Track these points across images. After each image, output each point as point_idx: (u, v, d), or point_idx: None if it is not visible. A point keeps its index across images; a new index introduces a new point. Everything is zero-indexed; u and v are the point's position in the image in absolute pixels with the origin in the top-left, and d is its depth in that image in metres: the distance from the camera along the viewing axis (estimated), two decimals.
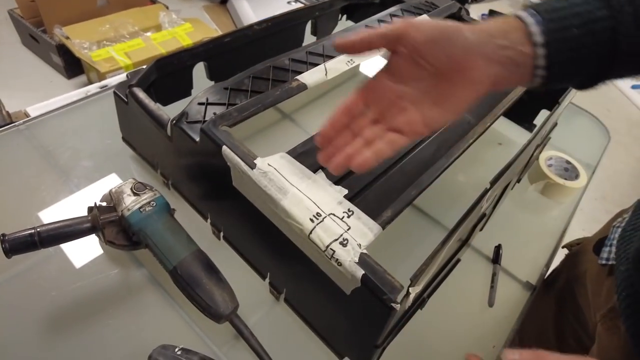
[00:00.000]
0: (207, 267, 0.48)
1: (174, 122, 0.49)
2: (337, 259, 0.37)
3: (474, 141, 0.52)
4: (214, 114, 0.48)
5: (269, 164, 0.42)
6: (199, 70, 0.65)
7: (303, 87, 0.52)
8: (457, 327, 0.55)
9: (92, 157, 0.66)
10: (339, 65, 0.57)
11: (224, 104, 0.49)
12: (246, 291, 0.52)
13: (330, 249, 0.38)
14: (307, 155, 0.45)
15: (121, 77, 1.45)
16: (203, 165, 0.50)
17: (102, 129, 0.69)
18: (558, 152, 0.78)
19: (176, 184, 0.60)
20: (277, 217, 0.42)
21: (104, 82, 1.18)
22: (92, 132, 0.69)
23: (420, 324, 0.51)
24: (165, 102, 0.65)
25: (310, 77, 0.54)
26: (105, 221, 0.49)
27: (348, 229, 0.39)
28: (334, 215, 0.40)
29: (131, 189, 0.51)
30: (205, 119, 0.48)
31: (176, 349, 0.41)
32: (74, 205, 0.59)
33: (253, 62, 0.73)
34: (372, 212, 0.41)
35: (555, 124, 0.73)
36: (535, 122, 0.82)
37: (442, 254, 0.39)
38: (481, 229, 0.63)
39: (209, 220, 0.57)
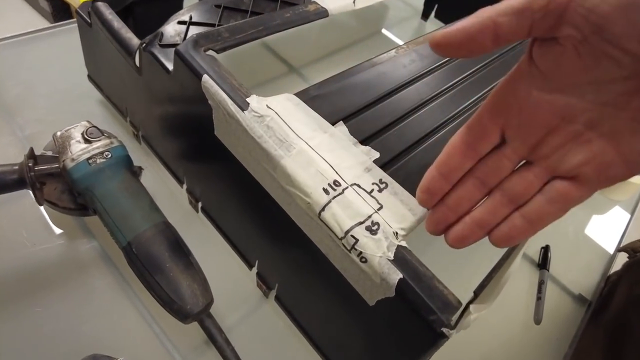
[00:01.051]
0: (173, 247, 0.35)
1: (144, 45, 0.36)
2: (360, 252, 0.24)
3: None
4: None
5: (268, 106, 0.29)
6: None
7: (323, 12, 0.39)
8: (497, 349, 0.43)
9: (48, 98, 0.52)
10: None
11: (212, 25, 0.36)
12: (226, 282, 0.40)
13: (352, 236, 0.25)
14: (323, 101, 0.32)
15: None
16: (178, 108, 0.37)
17: (66, 65, 0.55)
18: None
19: (147, 137, 0.47)
20: (273, 184, 0.29)
21: None
22: (54, 68, 0.56)
23: (450, 345, 0.38)
24: (146, 34, 0.51)
25: (333, 1, 0.40)
26: (40, 173, 0.36)
27: (379, 208, 0.26)
28: (358, 186, 0.27)
29: (82, 134, 0.38)
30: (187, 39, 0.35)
31: None
32: (12, 154, 0.45)
33: None
34: (416, 186, 0.28)
35: None
36: None
37: (519, 253, 0.26)
38: None
39: (184, 186, 0.44)
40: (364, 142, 0.30)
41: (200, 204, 0.43)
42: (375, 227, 0.25)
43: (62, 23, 0.64)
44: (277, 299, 0.38)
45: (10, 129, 0.47)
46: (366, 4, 0.42)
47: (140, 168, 0.42)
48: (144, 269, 0.34)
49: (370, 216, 0.25)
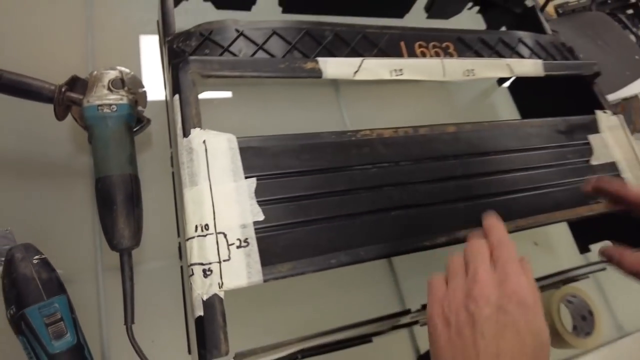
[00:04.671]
0: (127, 195, 0.46)
1: (169, 38, 0.44)
2: (191, 284, 0.32)
3: (450, 242, 0.42)
4: (206, 53, 0.42)
5: (204, 141, 0.36)
6: None
7: (317, 73, 0.43)
8: None
9: (125, 24, 0.63)
10: (380, 69, 0.46)
11: (222, 47, 0.42)
12: (160, 235, 0.50)
13: (192, 269, 0.33)
14: (257, 154, 0.38)
15: None
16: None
17: None
18: (587, 292, 0.62)
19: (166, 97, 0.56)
20: (180, 198, 0.37)
21: None
22: None
23: None
24: (219, 5, 0.59)
25: (334, 66, 0.44)
26: (67, 98, 0.47)
27: (225, 260, 0.33)
28: (224, 236, 0.34)
29: (109, 81, 0.48)
30: (196, 53, 0.42)
31: (36, 256, 0.40)
32: (73, 65, 0.57)
33: (334, 6, 0.63)
34: (271, 257, 0.35)
35: (604, 269, 0.57)
36: (592, 247, 0.65)
37: (293, 349, 0.32)
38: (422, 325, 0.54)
39: (171, 150, 0.53)
40: (263, 202, 0.36)
41: (173, 169, 0.52)
42: (209, 272, 0.32)
43: None
44: (181, 268, 0.48)
45: (83, 43, 0.59)
46: (367, 77, 0.45)
47: (148, 120, 0.53)
48: (100, 202, 0.45)
49: (211, 263, 0.33)
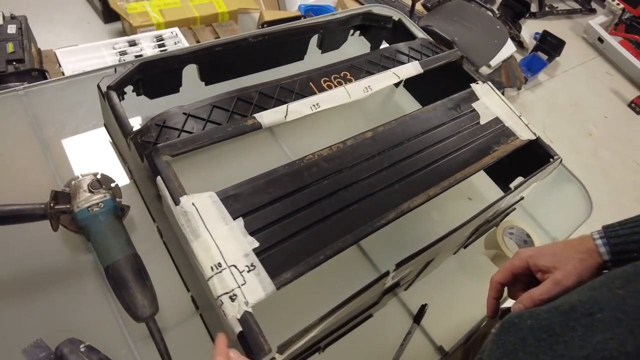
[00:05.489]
0: (136, 272, 0.53)
1: (131, 136, 0.53)
2: (223, 311, 0.41)
3: (406, 212, 0.54)
4: (167, 138, 0.52)
5: (193, 204, 0.46)
6: (192, 69, 0.69)
7: (257, 126, 0.55)
8: None
9: (75, 135, 0.71)
10: (302, 108, 0.59)
11: (177, 130, 0.53)
12: (173, 296, 0.58)
13: (220, 300, 0.42)
14: (235, 199, 0.48)
15: (148, 34, 1.54)
16: (147, 182, 0.54)
17: (91, 109, 0.74)
18: (522, 222, 0.78)
19: (137, 182, 0.65)
20: (187, 254, 0.46)
21: (130, 39, 1.22)
22: (83, 111, 0.74)
23: None
24: (152, 96, 0.69)
25: (268, 116, 0.56)
26: (58, 211, 0.55)
27: (243, 284, 0.43)
28: (235, 267, 0.43)
29: (88, 185, 0.57)
30: (158, 141, 0.52)
31: (81, 345, 0.47)
32: (44, 183, 0.64)
33: (246, 69, 0.75)
34: (275, 270, 0.44)
35: (522, 198, 0.73)
36: (512, 185, 0.82)
37: (318, 328, 0.42)
38: (406, 289, 0.66)
39: (156, 224, 0.62)
40: (254, 232, 0.47)
41: (163, 239, 0.60)
42: (235, 297, 0.42)
43: (94, 70, 0.82)
44: (201, 315, 0.56)
45: (45, 162, 0.66)
46: (297, 116, 0.58)
47: (128, 207, 0.61)
48: (115, 285, 0.53)
49: (233, 289, 0.42)
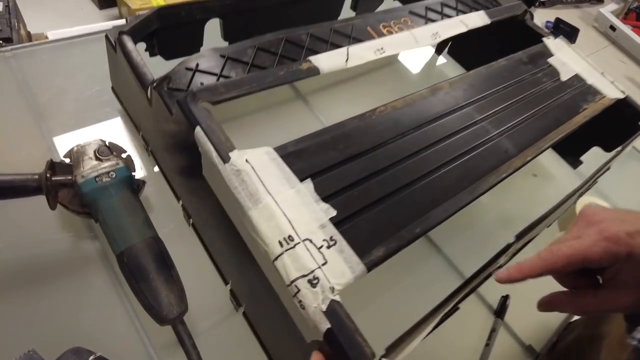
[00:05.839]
0: (158, 260, 0.41)
1: (154, 85, 0.41)
2: (300, 300, 0.29)
3: (507, 176, 0.43)
4: (201, 83, 0.40)
5: (246, 160, 0.34)
6: (214, 27, 0.57)
7: (315, 71, 0.43)
8: None
9: (75, 103, 0.58)
10: (365, 52, 0.47)
11: (215, 75, 0.41)
12: (204, 291, 0.45)
13: (295, 285, 0.30)
14: (298, 157, 0.36)
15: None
16: (179, 140, 0.42)
17: (95, 72, 0.62)
18: (599, 199, 0.67)
19: (154, 153, 0.52)
20: (243, 227, 0.34)
21: (121, 20, 1.09)
22: (84, 74, 0.62)
23: None
24: (168, 56, 0.56)
25: (326, 60, 0.44)
26: (56, 183, 0.42)
27: (324, 264, 0.31)
28: (310, 241, 0.32)
29: (95, 151, 0.44)
30: (190, 88, 0.40)
31: (90, 357, 0.34)
32: (37, 157, 0.52)
33: (277, 27, 0.64)
34: (362, 245, 0.33)
35: (608, 168, 0.62)
36: (582, 158, 0.71)
37: (432, 322, 0.30)
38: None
39: (180, 202, 0.49)
40: (327, 198, 0.35)
41: (191, 220, 0.48)
42: (316, 281, 0.30)
43: (96, 31, 0.70)
44: (245, 314, 0.44)
45: (39, 132, 0.54)
46: (359, 61, 0.46)
47: (143, 182, 0.48)
48: (131, 277, 0.40)
49: (313, 271, 0.30)
